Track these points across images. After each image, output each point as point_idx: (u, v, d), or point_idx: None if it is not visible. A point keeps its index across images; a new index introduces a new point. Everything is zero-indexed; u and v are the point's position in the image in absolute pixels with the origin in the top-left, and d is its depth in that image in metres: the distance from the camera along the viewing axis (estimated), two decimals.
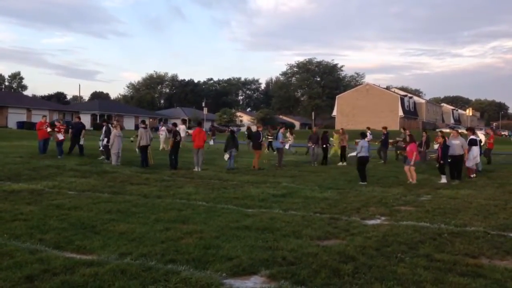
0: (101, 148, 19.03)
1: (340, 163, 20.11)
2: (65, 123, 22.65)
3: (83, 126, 20.88)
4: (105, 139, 18.19)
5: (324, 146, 19.98)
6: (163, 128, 27.75)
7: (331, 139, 22.57)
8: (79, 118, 22.62)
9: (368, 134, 19.80)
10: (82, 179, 12.88)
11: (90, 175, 13.97)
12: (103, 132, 18.88)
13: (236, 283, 5.01)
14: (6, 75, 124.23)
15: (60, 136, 19.05)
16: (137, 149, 17.19)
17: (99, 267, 5.26)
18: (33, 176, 13.23)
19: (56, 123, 20.80)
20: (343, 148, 20.97)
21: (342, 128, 24.16)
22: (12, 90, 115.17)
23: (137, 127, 20.22)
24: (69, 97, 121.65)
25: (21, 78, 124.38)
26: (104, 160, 18.03)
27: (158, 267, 5.34)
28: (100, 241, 6.43)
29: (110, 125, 19.00)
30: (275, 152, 27.31)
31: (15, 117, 57.30)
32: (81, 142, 20.08)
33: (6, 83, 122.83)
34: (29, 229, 7.01)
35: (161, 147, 25.59)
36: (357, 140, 22.03)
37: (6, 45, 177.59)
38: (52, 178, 12.84)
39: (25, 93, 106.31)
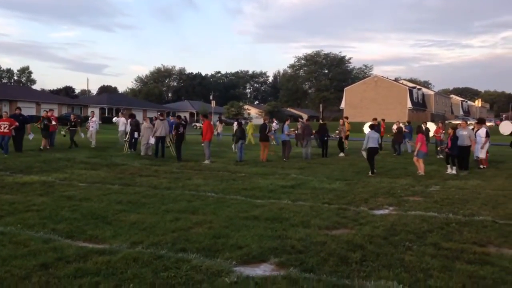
0: (126, 140, 19.89)
1: (342, 154, 20.22)
2: (12, 116, 19.04)
3: (25, 119, 18.78)
4: (135, 133, 19.20)
5: (326, 138, 19.90)
6: (94, 119, 22.26)
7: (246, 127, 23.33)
8: (20, 110, 20.17)
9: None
10: (92, 171, 13.04)
11: (100, 167, 14.13)
12: (129, 125, 19.90)
13: (246, 270, 5.09)
14: (15, 69, 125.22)
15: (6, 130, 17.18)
16: (152, 139, 17.64)
17: (111, 255, 5.37)
18: (44, 168, 13.41)
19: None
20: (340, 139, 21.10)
21: (341, 118, 24.02)
22: (21, 84, 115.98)
23: (151, 120, 19.95)
24: (77, 91, 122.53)
25: (30, 72, 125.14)
26: (130, 151, 19.05)
27: (169, 255, 5.43)
28: (112, 230, 6.54)
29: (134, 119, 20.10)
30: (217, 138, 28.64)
31: (24, 111, 57.12)
32: (30, 138, 19.05)
33: (15, 78, 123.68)
34: (42, 219, 7.14)
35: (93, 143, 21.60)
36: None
37: (15, 39, 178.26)
38: (63, 171, 13.02)
39: (33, 87, 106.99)
